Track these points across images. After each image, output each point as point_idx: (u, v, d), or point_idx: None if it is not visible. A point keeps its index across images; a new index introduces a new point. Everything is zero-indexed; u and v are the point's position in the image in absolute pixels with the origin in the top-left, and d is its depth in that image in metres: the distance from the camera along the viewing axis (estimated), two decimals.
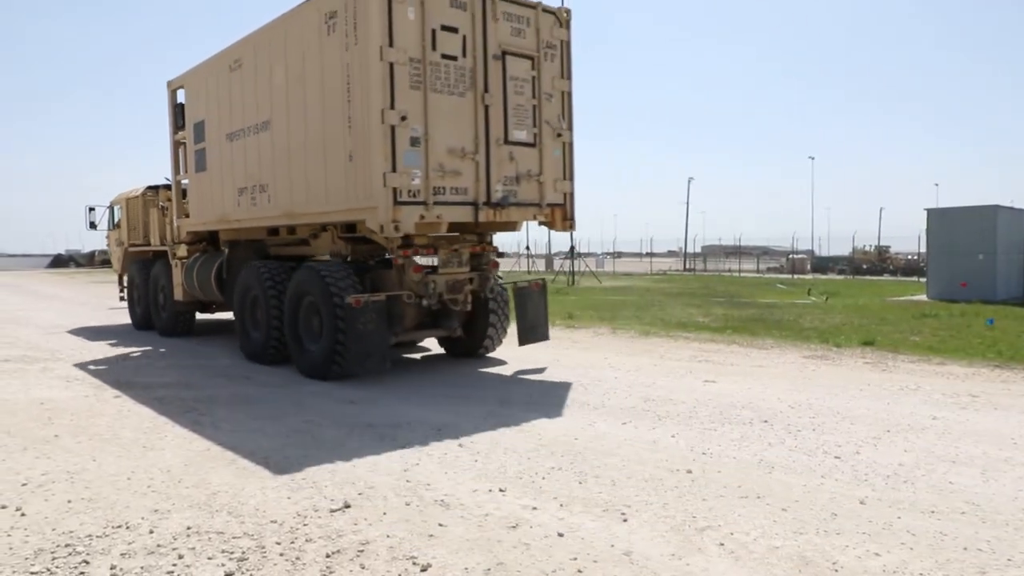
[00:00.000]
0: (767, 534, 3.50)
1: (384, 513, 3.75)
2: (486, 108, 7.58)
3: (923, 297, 17.60)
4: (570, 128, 8.42)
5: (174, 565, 3.13)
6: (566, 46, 8.27)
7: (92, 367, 8.78)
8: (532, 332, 8.79)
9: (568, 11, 8.23)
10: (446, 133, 7.32)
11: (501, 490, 4.12)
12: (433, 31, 7.17)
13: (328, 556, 3.21)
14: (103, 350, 10.41)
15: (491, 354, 9.27)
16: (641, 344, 10.35)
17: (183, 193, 11.11)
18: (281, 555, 3.22)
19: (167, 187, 11.89)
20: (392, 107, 6.91)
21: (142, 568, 3.11)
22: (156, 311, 12.27)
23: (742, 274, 38.16)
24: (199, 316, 12.27)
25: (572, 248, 26.99)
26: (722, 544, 3.38)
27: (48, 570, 3.12)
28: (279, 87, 8.28)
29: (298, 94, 7.98)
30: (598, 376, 7.73)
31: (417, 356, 9.53)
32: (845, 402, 6.39)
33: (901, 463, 4.61)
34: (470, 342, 8.88)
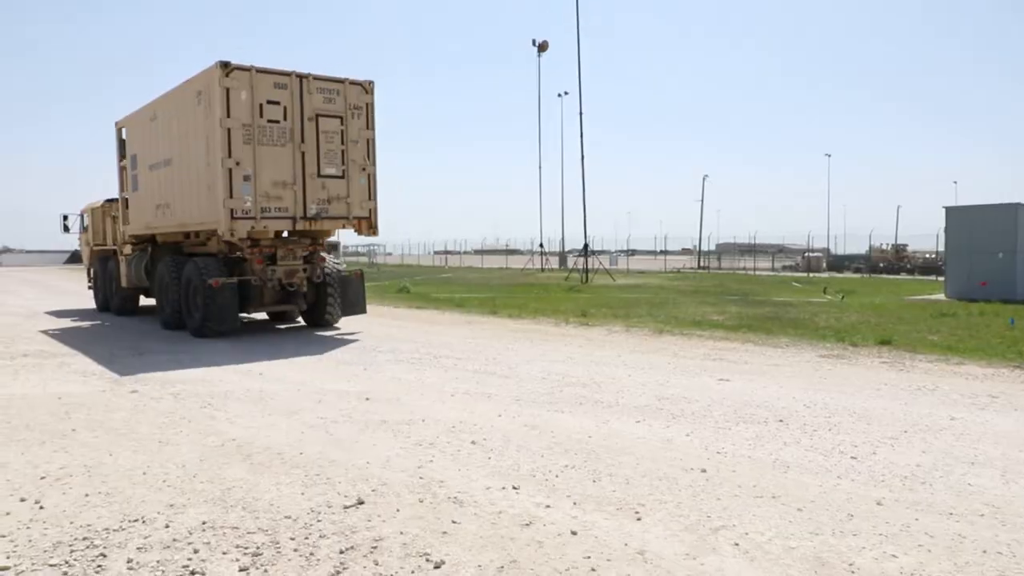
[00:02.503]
0: (782, 534, 3.47)
1: (397, 510, 3.75)
2: (302, 154, 11.05)
3: (941, 296, 17.40)
4: (374, 164, 11.79)
5: (189, 559, 3.15)
6: (370, 107, 11.69)
7: (109, 362, 8.86)
8: (352, 308, 12.24)
9: (371, 83, 11.66)
10: (271, 172, 10.80)
11: (514, 487, 4.12)
12: (261, 105, 10.65)
13: (342, 552, 3.22)
14: (119, 345, 10.51)
15: (514, 352, 9.29)
16: (655, 342, 10.30)
17: (127, 205, 14.16)
18: (295, 551, 3.23)
19: (117, 200, 14.97)
20: (229, 156, 10.42)
21: (158, 562, 3.13)
22: (111, 296, 15.59)
23: (757, 272, 37.92)
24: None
25: (586, 246, 26.90)
26: (737, 544, 3.36)
27: (66, 562, 3.14)
28: (175, 136, 11.82)
29: (184, 143, 11.50)
30: (612, 374, 7.71)
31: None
32: (861, 402, 6.33)
33: (919, 464, 4.56)
34: (317, 315, 12.24)
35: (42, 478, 4.33)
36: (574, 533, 3.47)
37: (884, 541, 3.39)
